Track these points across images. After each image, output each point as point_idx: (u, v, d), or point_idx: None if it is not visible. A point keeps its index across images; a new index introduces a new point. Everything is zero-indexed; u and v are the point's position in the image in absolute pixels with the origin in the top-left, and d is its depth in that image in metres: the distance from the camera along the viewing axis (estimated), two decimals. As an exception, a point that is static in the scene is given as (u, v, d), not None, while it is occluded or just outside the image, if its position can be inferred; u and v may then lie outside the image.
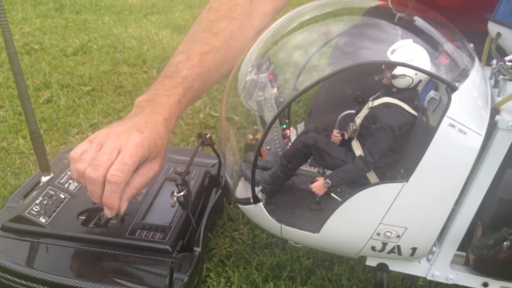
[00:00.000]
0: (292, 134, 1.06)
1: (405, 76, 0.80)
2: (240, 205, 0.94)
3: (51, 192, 1.07)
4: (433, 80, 0.95)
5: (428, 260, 0.91)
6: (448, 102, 0.77)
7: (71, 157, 0.92)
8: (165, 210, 1.07)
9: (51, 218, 1.01)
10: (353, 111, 0.92)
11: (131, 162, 0.88)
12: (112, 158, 0.88)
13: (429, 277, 0.91)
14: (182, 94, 1.05)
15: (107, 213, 0.93)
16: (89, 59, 2.15)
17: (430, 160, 0.76)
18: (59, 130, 1.56)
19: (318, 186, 0.86)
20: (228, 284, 1.02)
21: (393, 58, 0.80)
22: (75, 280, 0.89)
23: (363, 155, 0.84)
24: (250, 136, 1.03)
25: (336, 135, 0.90)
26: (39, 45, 2.24)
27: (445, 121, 0.76)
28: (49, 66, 2.03)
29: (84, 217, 1.03)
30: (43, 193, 1.06)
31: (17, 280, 0.90)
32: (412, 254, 0.85)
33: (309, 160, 0.98)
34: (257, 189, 0.92)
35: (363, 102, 0.89)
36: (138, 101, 1.03)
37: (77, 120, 1.63)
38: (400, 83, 0.81)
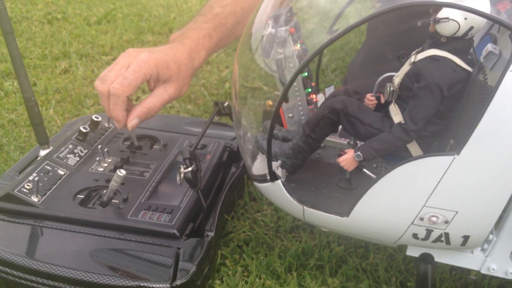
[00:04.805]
0: (320, 100, 0.91)
1: (448, 20, 0.65)
2: (256, 183, 0.80)
3: (48, 167, 0.95)
4: (491, 33, 0.79)
5: (483, 250, 0.77)
6: (512, 53, 0.61)
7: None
8: (175, 188, 0.95)
9: (44, 196, 0.89)
10: (395, 74, 0.76)
11: (132, 77, 0.93)
12: (120, 74, 0.94)
13: (483, 271, 0.77)
14: (213, 29, 1.11)
15: (116, 124, 0.97)
16: (113, 28, 2.03)
17: (487, 127, 0.63)
18: (73, 101, 1.45)
19: (347, 160, 0.71)
20: (246, 274, 0.89)
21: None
22: (63, 268, 0.77)
23: (403, 121, 0.68)
24: (270, 102, 0.89)
25: (370, 98, 0.74)
26: (62, 14, 2.13)
27: (509, 77, 0.61)
28: (70, 35, 1.92)
29: (82, 196, 0.91)
30: (38, 169, 0.94)
31: (0, 268, 0.78)
32: (464, 243, 0.71)
33: (339, 130, 0.83)
34: (276, 164, 0.79)
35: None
36: (171, 37, 1.11)
37: (93, 91, 1.52)
38: (444, 29, 0.66)
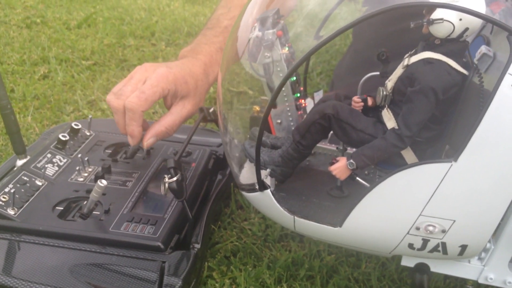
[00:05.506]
0: (309, 105, 0.87)
1: (442, 21, 0.62)
2: (244, 193, 0.77)
3: (25, 178, 0.91)
4: (483, 35, 0.77)
5: (480, 259, 0.75)
6: (510, 55, 0.59)
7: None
8: (160, 198, 0.91)
9: (21, 209, 0.85)
10: (378, 73, 0.74)
11: (150, 91, 0.90)
12: (136, 88, 0.91)
13: (481, 281, 0.75)
14: (223, 42, 1.07)
15: (130, 141, 0.94)
16: (93, 32, 1.99)
17: (485, 133, 0.61)
18: (53, 108, 1.41)
19: (340, 168, 0.68)
20: (234, 287, 0.86)
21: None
22: (41, 285, 0.73)
23: (396, 127, 0.65)
24: (257, 108, 0.86)
25: (356, 100, 0.72)
26: (41, 18, 2.08)
27: (507, 80, 0.59)
28: (49, 40, 1.87)
29: (62, 208, 0.87)
30: (15, 180, 0.90)
31: (-27, 286, 0.74)
32: (461, 253, 0.69)
33: (329, 136, 0.80)
34: (265, 172, 0.76)
35: (388, 61, 0.70)
36: (181, 52, 1.08)
37: (73, 97, 1.47)
38: (438, 31, 0.64)
